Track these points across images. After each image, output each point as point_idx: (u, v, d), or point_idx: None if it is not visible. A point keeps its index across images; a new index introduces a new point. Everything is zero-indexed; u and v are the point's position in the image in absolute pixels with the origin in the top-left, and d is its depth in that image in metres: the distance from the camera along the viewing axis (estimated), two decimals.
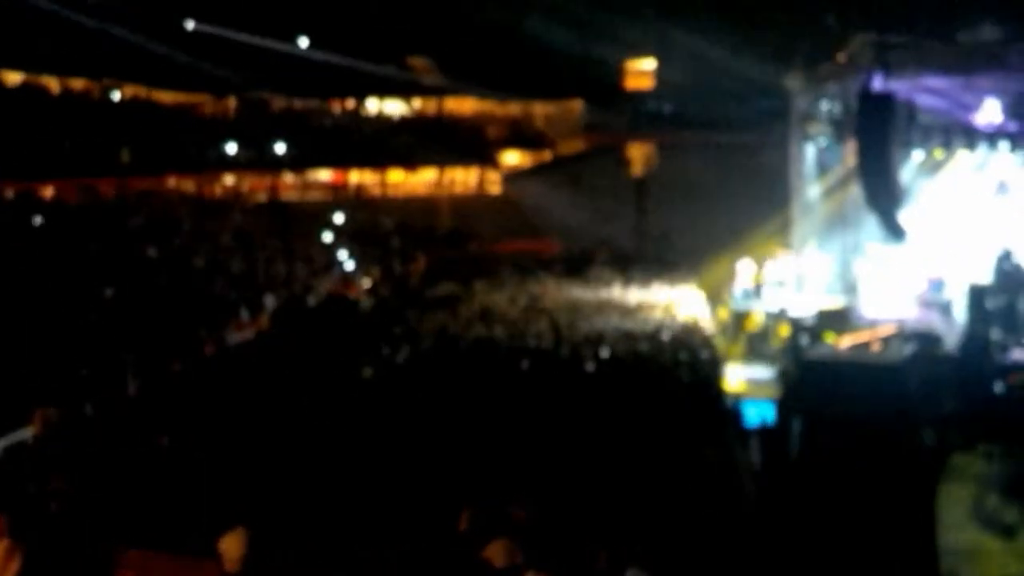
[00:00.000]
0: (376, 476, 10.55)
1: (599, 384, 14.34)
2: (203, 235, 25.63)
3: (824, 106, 21.04)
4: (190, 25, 28.92)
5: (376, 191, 33.50)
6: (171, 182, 30.31)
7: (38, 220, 22.94)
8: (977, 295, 16.90)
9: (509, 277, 24.35)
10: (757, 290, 21.12)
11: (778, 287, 21.40)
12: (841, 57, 19.98)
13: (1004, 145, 19.60)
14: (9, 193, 23.83)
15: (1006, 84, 19.07)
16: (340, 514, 9.26)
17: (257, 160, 31.49)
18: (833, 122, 20.65)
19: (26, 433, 12.06)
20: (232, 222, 27.82)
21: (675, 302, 20.55)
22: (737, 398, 14.51)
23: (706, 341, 17.36)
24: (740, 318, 19.90)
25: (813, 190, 22.54)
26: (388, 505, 9.82)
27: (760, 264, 22.10)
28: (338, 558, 8.50)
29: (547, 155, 34.21)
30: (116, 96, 30.69)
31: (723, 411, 14.22)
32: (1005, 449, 13.59)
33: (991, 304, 16.58)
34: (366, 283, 25.13)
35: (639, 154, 32.78)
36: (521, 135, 34.22)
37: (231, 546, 5.48)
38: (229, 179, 32.64)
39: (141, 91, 31.80)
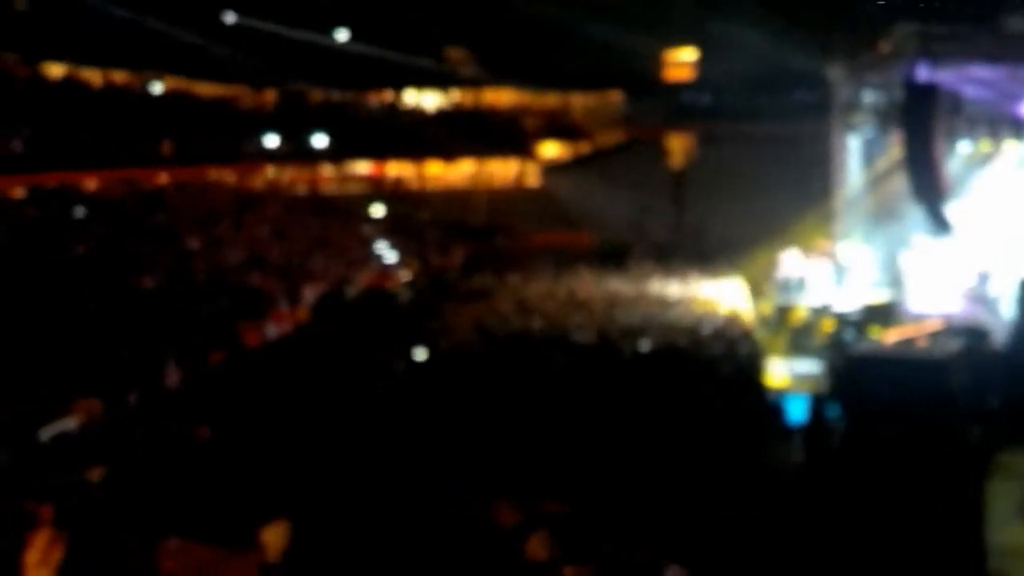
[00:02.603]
0: (414, 469, 10.53)
1: (638, 378, 14.21)
2: (242, 227, 25.76)
3: (867, 96, 20.76)
4: (229, 18, 29.08)
5: (414, 184, 33.52)
6: (211, 174, 30.50)
7: (80, 212, 23.16)
8: None
9: (546, 269, 24.21)
10: (800, 283, 20.87)
11: (822, 280, 21.15)
12: (884, 47, 19.67)
13: None
14: (51, 184, 24.05)
15: None
16: (379, 507, 9.25)
17: (296, 152, 31.60)
18: (877, 113, 20.39)
19: (69, 424, 12.20)
20: (271, 214, 27.95)
21: (715, 295, 20.34)
22: (779, 393, 14.32)
23: (747, 335, 17.15)
24: (783, 312, 19.66)
25: (856, 181, 22.24)
26: (427, 499, 9.79)
27: (803, 257, 21.84)
28: (377, 551, 8.48)
29: (585, 147, 34.04)
30: (157, 89, 30.93)
31: (764, 406, 14.06)
32: None
33: None
34: (404, 275, 25.10)
35: (678, 146, 32.49)
36: (559, 127, 34.05)
37: (273, 537, 5.47)
38: (269, 171, 32.79)
39: (181, 83, 32.02)
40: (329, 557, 7.10)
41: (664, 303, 19.92)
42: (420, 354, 15.95)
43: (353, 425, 11.91)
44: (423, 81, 34.08)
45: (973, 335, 15.84)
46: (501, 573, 8.47)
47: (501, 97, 34.50)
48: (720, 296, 20.24)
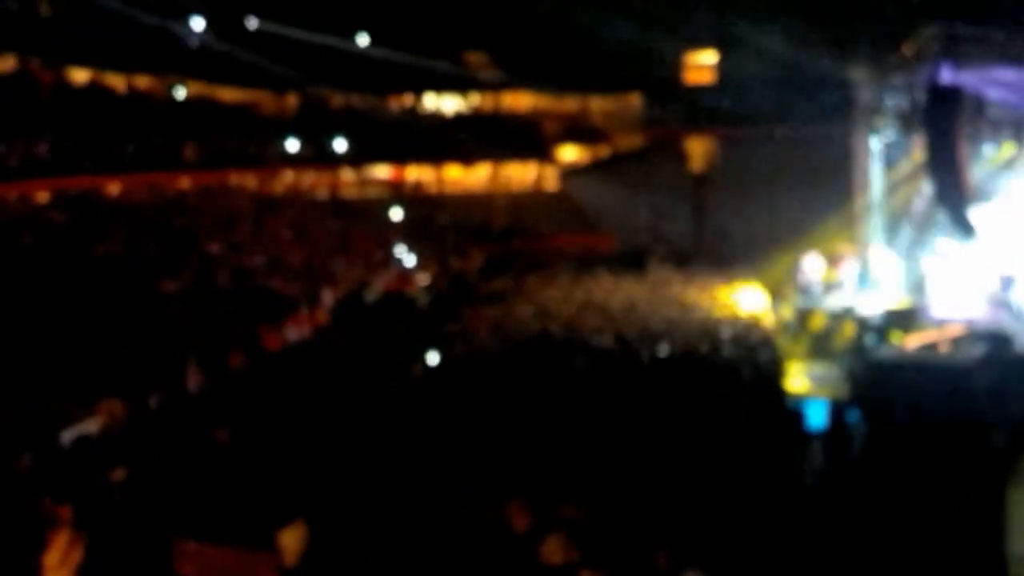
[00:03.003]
0: (429, 472, 10.54)
1: (657, 382, 14.18)
2: (263, 230, 25.89)
3: (890, 99, 20.64)
4: (251, 23, 29.25)
5: (433, 187, 33.59)
6: (233, 179, 30.67)
7: (102, 216, 23.33)
8: None
9: (565, 273, 24.21)
10: (821, 288, 20.76)
11: (843, 285, 21.03)
12: (908, 49, 19.58)
13: None
14: (76, 189, 24.27)
15: None
16: (395, 510, 9.27)
17: (316, 156, 31.74)
18: (899, 115, 20.26)
19: (91, 426, 12.29)
20: (291, 217, 28.08)
21: (735, 300, 20.28)
22: (800, 398, 14.25)
23: (767, 340, 17.08)
24: (803, 316, 19.55)
25: (879, 185, 22.08)
26: (441, 501, 9.80)
27: (824, 261, 21.72)
28: (392, 554, 8.50)
29: (604, 150, 33.98)
30: (180, 94, 31.13)
31: (784, 411, 13.98)
32: None
33: None
34: (423, 279, 25.15)
35: (698, 149, 32.40)
36: (578, 130, 34.00)
37: (290, 540, 5.49)
38: (289, 175, 32.94)
39: (204, 89, 32.22)
40: (345, 560, 7.12)
41: (683, 307, 19.87)
42: (437, 357, 15.96)
43: (370, 428, 11.93)
44: (442, 85, 34.13)
45: (996, 340, 15.72)
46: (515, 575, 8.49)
47: (520, 101, 34.49)
48: (740, 300, 20.18)
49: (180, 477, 8.72)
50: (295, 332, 18.87)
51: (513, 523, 9.36)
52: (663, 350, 16.24)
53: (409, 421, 12.30)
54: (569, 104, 34.25)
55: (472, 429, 11.89)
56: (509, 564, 8.59)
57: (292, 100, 34.63)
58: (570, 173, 32.90)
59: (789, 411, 13.92)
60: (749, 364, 15.32)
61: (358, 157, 32.59)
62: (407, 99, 35.44)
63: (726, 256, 25.02)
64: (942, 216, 18.58)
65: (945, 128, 17.77)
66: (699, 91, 32.06)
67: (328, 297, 21.30)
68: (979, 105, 18.57)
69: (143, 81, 30.77)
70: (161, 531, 6.31)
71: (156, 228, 23.11)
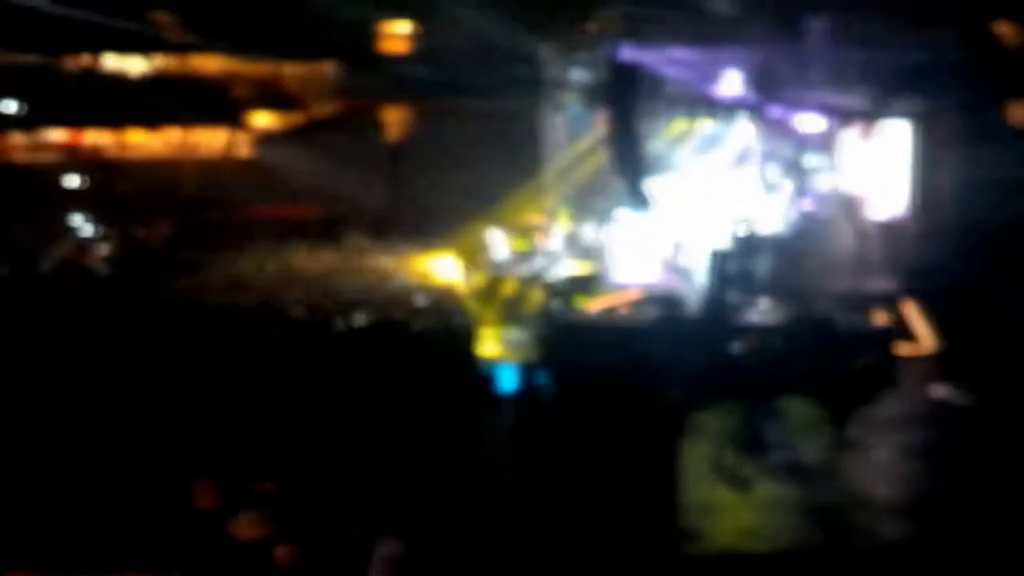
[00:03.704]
0: (108, 452, 10.04)
1: (351, 352, 14.14)
2: None
3: (575, 75, 21.56)
4: None
5: (115, 152, 31.52)
6: None
7: None
8: (717, 260, 17.85)
9: (261, 243, 23.54)
10: (512, 256, 21.44)
11: (531, 253, 21.83)
12: (592, 27, 20.48)
13: (743, 115, 20.81)
14: None
15: (746, 57, 20.21)
16: (80, 491, 8.84)
17: None
18: (583, 91, 21.20)
19: None
20: None
21: (431, 269, 20.53)
22: (492, 362, 14.68)
23: (461, 307, 17.43)
24: (495, 284, 20.10)
25: (564, 158, 23.12)
26: (124, 481, 9.34)
27: (514, 231, 22.46)
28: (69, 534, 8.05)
29: (300, 118, 33.22)
30: None
31: (477, 375, 14.36)
32: (741, 407, 14.47)
33: (729, 268, 17.56)
34: (104, 249, 23.65)
35: (395, 119, 32.38)
36: (271, 96, 33.02)
37: None
38: None
39: None
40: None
41: (379, 276, 19.88)
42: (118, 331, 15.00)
43: (50, 404, 11.22)
44: (124, 46, 32.04)
45: (669, 303, 16.86)
46: (204, 554, 8.17)
47: (208, 64, 32.97)
48: (435, 269, 20.46)
49: None
50: None
51: (199, 502, 9.02)
52: (358, 319, 16.17)
53: (86, 398, 11.59)
54: (261, 69, 33.16)
55: (157, 405, 11.40)
56: (195, 542, 8.26)
57: None
58: (264, 140, 31.90)
59: (482, 375, 14.33)
60: (443, 331, 15.56)
61: (29, 120, 30.06)
62: (85, 59, 32.93)
63: (422, 226, 25.23)
64: (621, 187, 19.63)
65: (624, 103, 18.75)
66: (397, 61, 31.98)
67: None
68: (657, 82, 19.68)
69: None
70: None
71: None
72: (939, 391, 15.20)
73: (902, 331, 17.48)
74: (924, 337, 17.64)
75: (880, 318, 17.74)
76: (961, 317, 17.09)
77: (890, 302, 18.46)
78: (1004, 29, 21.24)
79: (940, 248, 19.42)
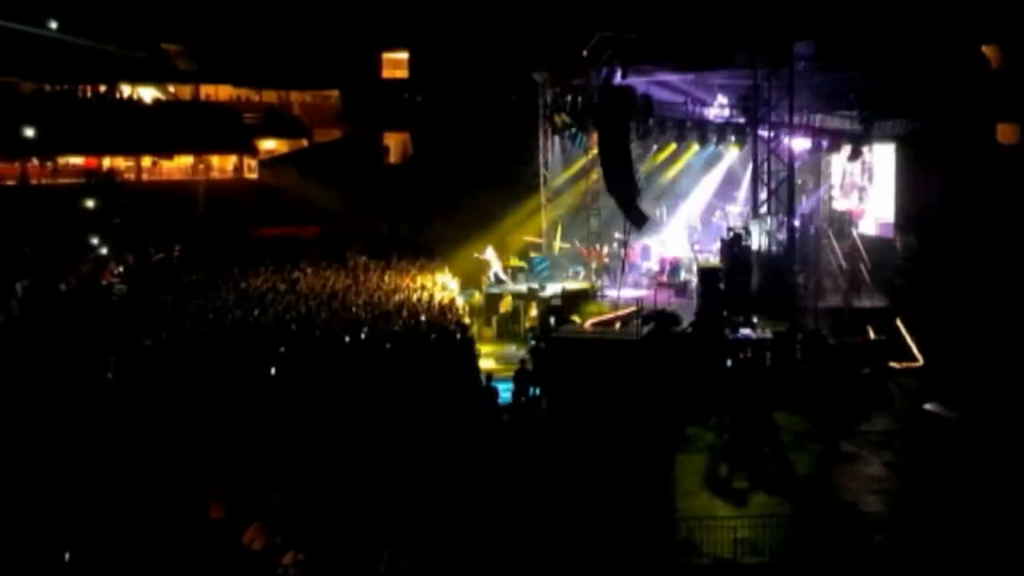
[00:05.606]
0: (126, 462, 10.24)
1: (355, 366, 14.35)
2: None
3: (568, 99, 22.04)
4: None
5: (131, 177, 32.13)
6: None
7: None
8: (710, 277, 18.19)
9: (268, 262, 23.89)
10: (508, 275, 21.86)
11: (528, 271, 22.27)
12: (584, 53, 20.95)
13: (731, 137, 21.28)
14: None
15: (733, 81, 20.71)
16: (97, 505, 9.01)
17: (5, 145, 29.62)
18: (577, 114, 21.66)
19: None
20: None
21: (431, 287, 20.88)
22: (490, 375, 14.92)
23: (460, 324, 17.76)
24: (492, 301, 20.54)
25: (559, 179, 23.68)
26: (138, 491, 9.56)
27: (511, 250, 22.97)
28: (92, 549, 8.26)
29: (304, 143, 33.80)
30: None
31: (476, 388, 14.56)
32: (733, 420, 14.77)
33: (722, 285, 17.89)
34: (120, 269, 24.15)
35: (395, 143, 33.00)
36: (278, 123, 33.63)
37: None
38: None
39: None
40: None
41: (382, 294, 20.19)
42: (137, 346, 15.40)
43: (66, 418, 11.48)
44: (137, 75, 32.73)
45: (663, 319, 17.16)
46: (217, 564, 8.47)
47: (219, 92, 33.65)
48: (436, 288, 20.80)
49: None
50: None
51: (211, 512, 9.27)
52: (364, 334, 16.43)
53: (107, 411, 11.86)
54: (268, 96, 33.82)
55: (168, 419, 11.59)
56: (208, 553, 8.54)
57: None
58: (270, 163, 32.45)
59: (480, 388, 14.55)
60: (443, 347, 15.81)
61: (50, 146, 30.71)
62: (101, 88, 33.65)
63: (423, 247, 25.63)
64: (615, 205, 20.00)
65: (616, 126, 19.17)
66: (396, 87, 32.50)
67: (20, 288, 19.98)
68: (647, 106, 20.15)
69: None
70: None
71: None
72: (927, 406, 15.46)
73: (892, 346, 17.83)
74: (912, 352, 17.98)
75: (870, 333, 18.10)
76: (945, 332, 17.40)
77: (879, 317, 18.81)
78: (988, 52, 21.82)
79: (925, 265, 19.81)
